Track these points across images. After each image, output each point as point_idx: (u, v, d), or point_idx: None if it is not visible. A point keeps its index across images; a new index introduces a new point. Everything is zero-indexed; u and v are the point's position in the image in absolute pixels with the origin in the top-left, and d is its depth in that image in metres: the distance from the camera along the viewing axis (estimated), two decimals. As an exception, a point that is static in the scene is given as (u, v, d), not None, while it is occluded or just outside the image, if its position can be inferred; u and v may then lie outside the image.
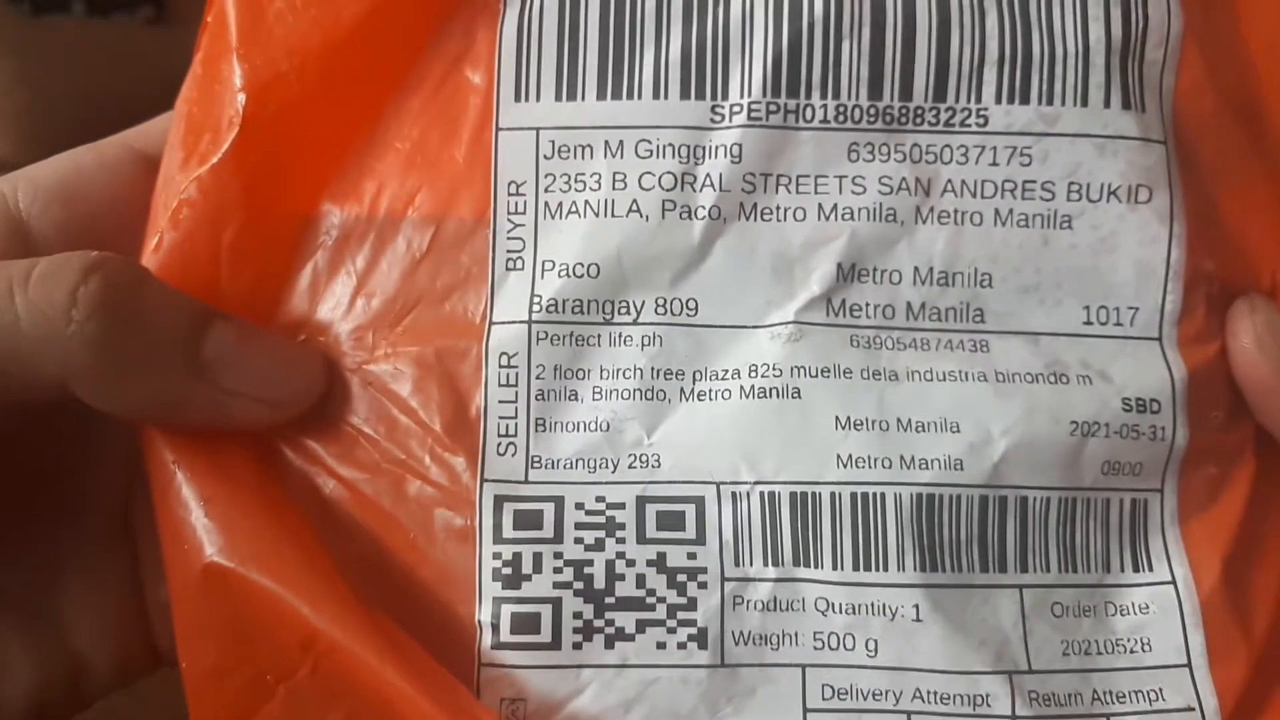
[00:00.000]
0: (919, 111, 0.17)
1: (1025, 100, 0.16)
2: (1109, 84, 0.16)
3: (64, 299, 0.15)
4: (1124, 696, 0.16)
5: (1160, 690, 0.16)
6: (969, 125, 0.17)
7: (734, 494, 0.16)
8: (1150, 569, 0.16)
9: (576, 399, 0.16)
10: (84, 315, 0.15)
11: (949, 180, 0.17)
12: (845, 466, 0.16)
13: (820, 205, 0.17)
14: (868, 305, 0.16)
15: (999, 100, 0.16)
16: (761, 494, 0.16)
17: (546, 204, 0.17)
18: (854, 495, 0.16)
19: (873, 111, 0.16)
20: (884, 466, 0.16)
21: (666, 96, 0.16)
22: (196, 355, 0.16)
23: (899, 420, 0.16)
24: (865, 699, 0.15)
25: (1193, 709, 0.16)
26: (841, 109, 0.16)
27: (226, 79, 0.17)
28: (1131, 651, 0.16)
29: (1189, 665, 0.16)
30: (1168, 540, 0.16)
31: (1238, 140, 0.17)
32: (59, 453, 0.18)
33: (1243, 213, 0.17)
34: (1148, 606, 0.16)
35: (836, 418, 0.16)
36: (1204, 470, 0.17)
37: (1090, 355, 0.16)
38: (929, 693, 0.15)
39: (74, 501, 0.18)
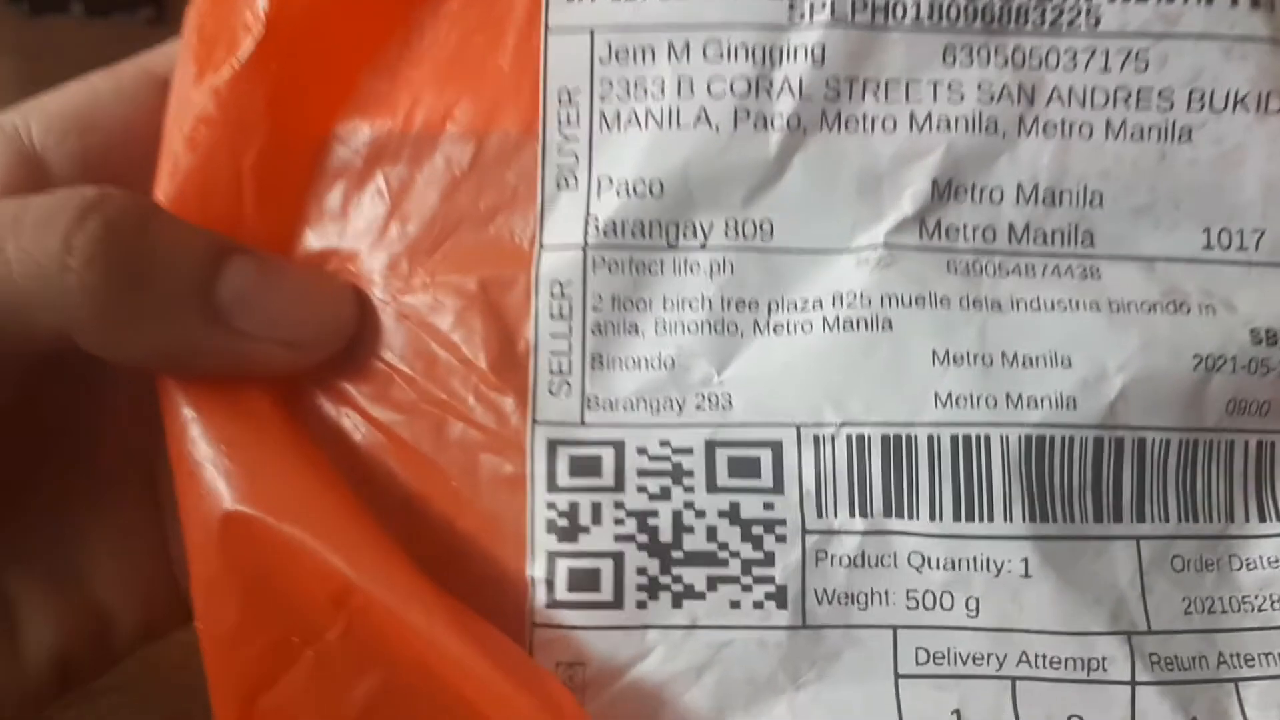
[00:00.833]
0: (1022, 9, 0.15)
1: None
2: None
3: (58, 245, 0.13)
4: (1253, 660, 0.14)
5: None
6: (1078, 26, 0.15)
7: (816, 437, 0.14)
8: (1278, 518, 0.15)
9: (637, 333, 0.15)
10: (81, 262, 0.13)
11: (1055, 87, 0.15)
12: (944, 406, 0.14)
13: (912, 114, 0.15)
14: (966, 226, 0.15)
15: None
16: (848, 437, 0.14)
17: (603, 114, 0.15)
18: (954, 438, 0.14)
19: (971, 10, 0.15)
20: (988, 406, 0.14)
21: None
22: (211, 298, 0.14)
23: (1003, 354, 0.14)
24: (965, 663, 0.14)
25: None
26: (936, 6, 0.15)
27: None
28: (1260, 610, 0.14)
29: None
30: None
31: None
32: (74, 402, 0.17)
33: None
34: (1277, 560, 0.14)
35: (934, 351, 0.14)
36: None
37: (1212, 282, 0.15)
38: (1037, 656, 0.14)
39: (92, 452, 0.17)
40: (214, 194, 0.15)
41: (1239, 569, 0.15)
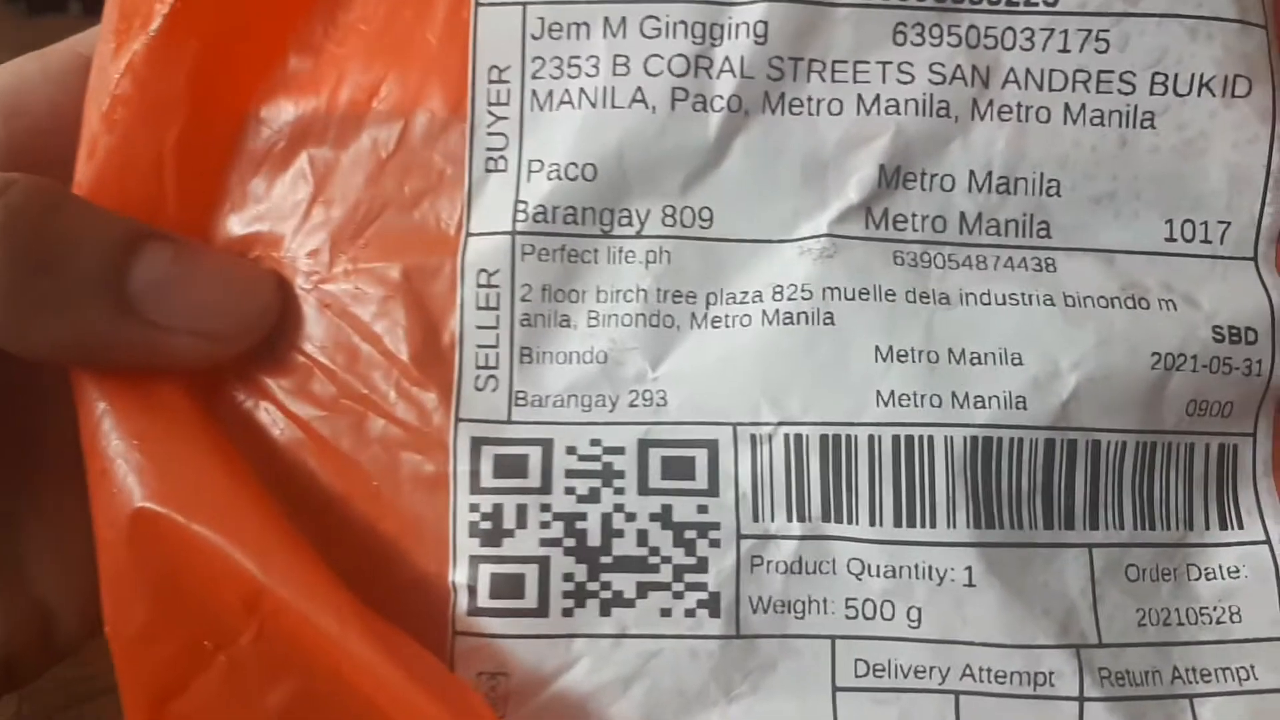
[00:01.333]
0: None
1: None
2: None
3: None
4: (1209, 675, 0.13)
5: (1251, 668, 0.13)
6: (1036, 3, 0.14)
7: (753, 437, 0.14)
8: (1240, 526, 0.14)
9: (569, 325, 0.14)
10: None
11: (1011, 69, 0.14)
12: (886, 405, 0.13)
13: (860, 97, 0.14)
14: (914, 216, 0.14)
15: None
16: (786, 436, 0.13)
17: (534, 92, 0.14)
18: (896, 438, 0.13)
19: None
20: (932, 405, 0.13)
21: None
22: (123, 287, 0.14)
23: (950, 351, 0.14)
24: (906, 676, 0.13)
25: None
26: None
27: None
28: (1218, 622, 0.14)
29: None
30: (1260, 492, 0.14)
31: None
32: (9, 395, 0.16)
33: None
34: (1237, 570, 0.14)
35: (876, 348, 0.14)
36: None
37: (1173, 277, 0.14)
38: (981, 670, 0.13)
39: (31, 446, 0.16)
40: (133, 175, 0.15)
41: (1197, 579, 0.14)
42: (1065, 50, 0.14)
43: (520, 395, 0.14)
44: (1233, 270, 0.14)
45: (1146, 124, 0.14)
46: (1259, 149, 0.14)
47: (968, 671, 0.13)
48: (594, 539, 0.13)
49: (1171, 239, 0.14)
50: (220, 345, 0.14)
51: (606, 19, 0.14)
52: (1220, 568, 0.14)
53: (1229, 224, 0.14)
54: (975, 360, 0.14)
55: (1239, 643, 0.14)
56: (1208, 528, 0.14)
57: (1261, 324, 0.14)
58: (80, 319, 0.13)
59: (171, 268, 0.14)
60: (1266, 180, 0.14)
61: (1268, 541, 0.14)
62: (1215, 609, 0.14)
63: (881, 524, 0.13)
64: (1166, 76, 0.14)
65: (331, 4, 0.15)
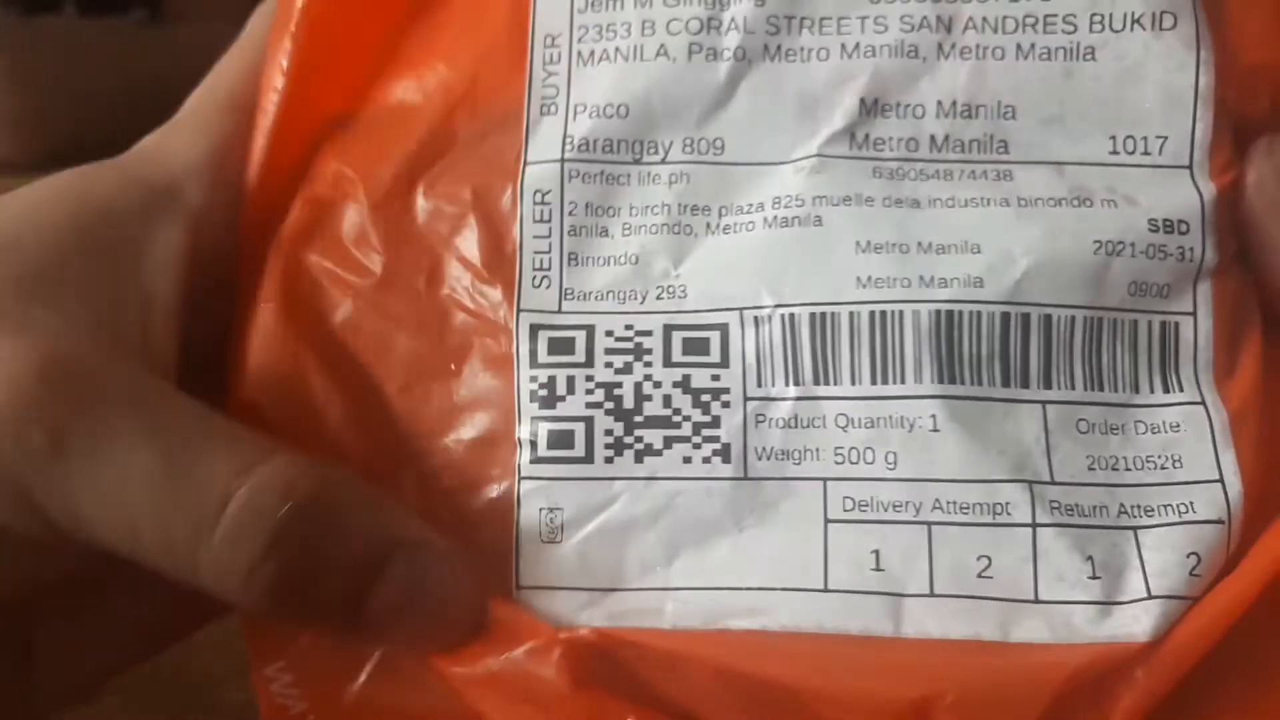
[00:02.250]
0: None
1: None
2: None
3: (241, 576, 0.15)
4: (1152, 510, 0.16)
5: (1191, 504, 0.16)
6: None
7: (756, 318, 0.17)
8: (1180, 389, 0.16)
9: (607, 235, 0.17)
10: (258, 592, 0.15)
11: (970, 17, 0.17)
12: (864, 287, 0.16)
13: (843, 45, 0.17)
14: (891, 138, 0.17)
15: None
16: (782, 316, 0.16)
17: (579, 53, 0.18)
18: (872, 314, 0.16)
19: None
20: (903, 286, 0.16)
21: None
22: (359, 611, 0.15)
23: (919, 243, 0.16)
24: (886, 510, 0.16)
25: (1222, 521, 0.15)
26: None
27: None
28: (1162, 468, 0.16)
29: (1221, 481, 0.16)
30: (1199, 364, 0.16)
31: None
32: None
33: (1261, 44, 0.17)
34: (1178, 425, 0.16)
35: (857, 242, 0.16)
36: (1236, 296, 0.16)
37: (1117, 181, 0.17)
38: (948, 503, 0.16)
39: None
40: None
41: (1143, 433, 0.16)
42: (1014, 0, 0.17)
43: (569, 291, 0.17)
44: (1170, 176, 0.17)
45: (1088, 57, 0.17)
46: (1187, 74, 0.17)
47: (937, 505, 0.16)
48: (629, 402, 0.17)
49: (1115, 152, 0.17)
50: (429, 652, 0.16)
51: None
52: (1164, 423, 0.16)
53: (1166, 138, 0.17)
54: (940, 251, 0.16)
55: (1181, 484, 0.16)
56: (1153, 391, 0.16)
57: (1193, 218, 0.16)
58: (317, 620, 0.16)
59: (405, 592, 0.15)
60: (1195, 99, 0.17)
61: (1203, 403, 0.16)
62: (1159, 457, 0.16)
63: (860, 383, 0.16)
64: (1103, 16, 0.17)
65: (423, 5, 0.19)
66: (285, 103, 0.18)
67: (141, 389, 0.15)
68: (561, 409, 0.17)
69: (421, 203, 0.18)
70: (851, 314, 0.16)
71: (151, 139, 0.19)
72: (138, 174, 0.18)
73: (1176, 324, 0.16)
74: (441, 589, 0.16)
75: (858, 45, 0.17)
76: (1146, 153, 0.17)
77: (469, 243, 0.17)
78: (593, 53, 0.17)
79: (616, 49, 0.17)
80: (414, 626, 0.16)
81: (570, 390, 0.17)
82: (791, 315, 0.16)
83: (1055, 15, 0.17)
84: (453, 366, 0.17)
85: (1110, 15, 0.17)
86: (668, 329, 0.17)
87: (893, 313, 0.16)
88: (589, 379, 0.17)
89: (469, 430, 0.17)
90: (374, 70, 0.19)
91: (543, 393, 0.17)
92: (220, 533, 0.14)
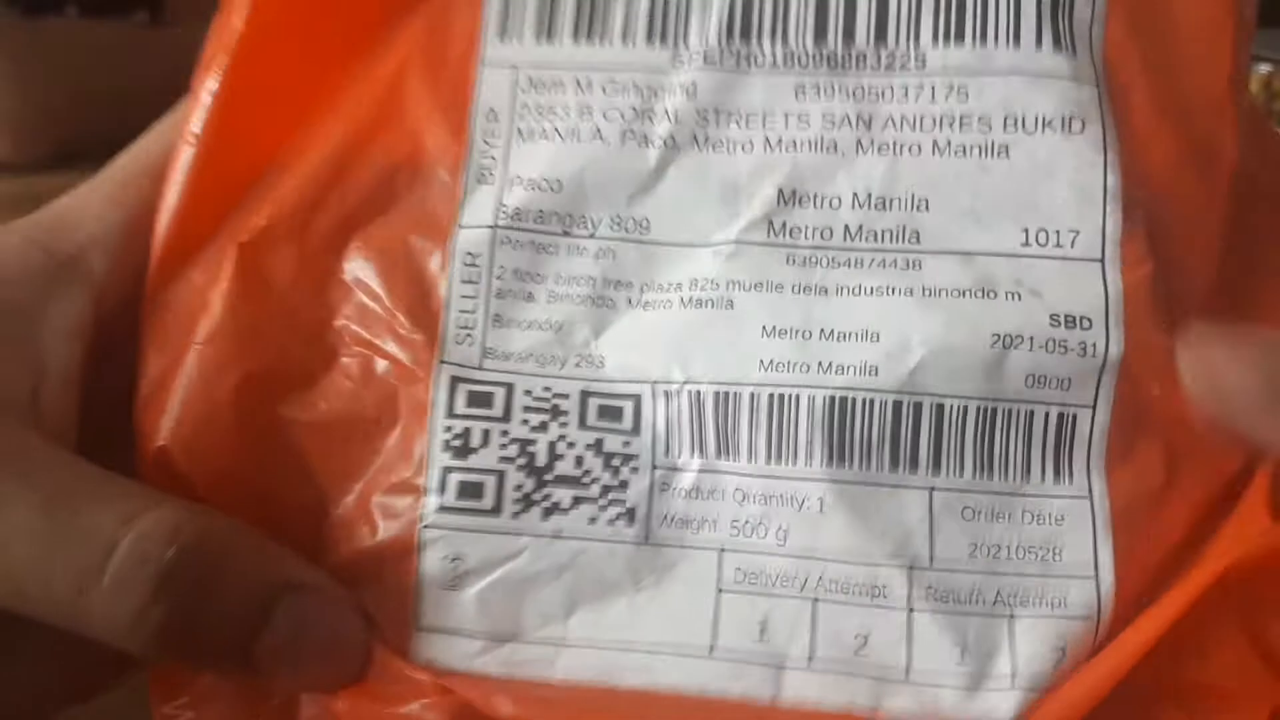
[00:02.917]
0: (862, 56, 0.18)
1: (960, 40, 0.18)
2: (1040, 28, 0.17)
3: (131, 617, 0.15)
4: (1028, 601, 0.16)
5: (1064, 598, 0.16)
6: (909, 66, 0.18)
7: (666, 392, 0.17)
8: (1071, 480, 0.17)
9: (532, 300, 0.18)
10: (148, 634, 0.15)
11: (889, 115, 0.18)
12: (766, 370, 0.17)
13: (767, 138, 0.18)
14: (806, 227, 0.18)
15: (935, 42, 0.18)
16: (689, 392, 0.17)
17: (519, 129, 0.19)
18: (771, 395, 0.17)
19: (819, 56, 0.18)
20: (801, 371, 0.17)
21: (634, 42, 0.18)
22: (249, 650, 0.16)
23: (822, 330, 0.17)
24: (774, 583, 0.17)
25: (1091, 618, 0.16)
26: (790, 53, 0.18)
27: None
28: (1042, 559, 0.16)
29: (1096, 577, 0.16)
30: (1092, 455, 0.17)
31: (1164, 98, 0.18)
32: None
33: (1173, 152, 0.17)
34: (1063, 518, 0.17)
35: (764, 326, 0.17)
36: (1144, 389, 0.17)
37: (1025, 274, 0.17)
38: (831, 581, 0.16)
39: None
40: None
41: (1029, 522, 0.17)
42: (933, 100, 0.18)
43: (490, 350, 0.18)
44: (1079, 269, 0.17)
45: (1002, 154, 0.18)
46: (1096, 172, 0.17)
47: (821, 581, 0.16)
48: (541, 460, 0.17)
49: (1027, 244, 0.17)
50: (317, 691, 0.17)
51: (577, 79, 0.19)
52: (1049, 514, 0.17)
53: (1078, 232, 0.17)
54: (840, 338, 0.17)
55: (1057, 578, 0.16)
56: (1043, 479, 0.17)
57: (1097, 313, 0.17)
58: (208, 663, 0.16)
59: (293, 637, 0.16)
60: (1104, 195, 0.17)
61: (1089, 496, 0.17)
62: (1041, 548, 0.17)
63: (757, 461, 0.17)
64: (1016, 117, 0.18)
65: (356, 59, 0.19)
66: (208, 143, 0.18)
67: (20, 446, 0.16)
68: (474, 460, 0.18)
69: (354, 255, 0.18)
70: (753, 394, 0.17)
71: (65, 200, 0.19)
72: (42, 240, 0.18)
73: (1074, 415, 0.17)
74: (328, 631, 0.16)
75: (780, 139, 0.18)
76: (1059, 245, 0.17)
77: (396, 296, 0.18)
78: (532, 130, 0.19)
79: (555, 128, 0.19)
80: (303, 668, 0.16)
81: (485, 443, 0.18)
82: (698, 392, 0.17)
83: (971, 115, 0.18)
84: (369, 412, 0.18)
85: (1023, 117, 0.18)
86: (584, 394, 0.18)
87: (790, 395, 0.17)
88: (504, 434, 0.18)
89: (380, 475, 0.18)
90: (305, 118, 0.19)
91: (456, 443, 0.18)
92: (107, 580, 0.15)
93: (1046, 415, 0.17)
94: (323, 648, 0.16)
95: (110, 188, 0.19)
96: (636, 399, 0.18)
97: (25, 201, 0.20)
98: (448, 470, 0.18)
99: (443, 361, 0.18)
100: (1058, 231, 0.17)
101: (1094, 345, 0.17)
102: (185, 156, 0.18)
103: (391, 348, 0.18)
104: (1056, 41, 0.17)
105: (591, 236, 0.18)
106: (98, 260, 0.18)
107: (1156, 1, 0.18)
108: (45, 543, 0.15)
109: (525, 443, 0.18)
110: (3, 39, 0.56)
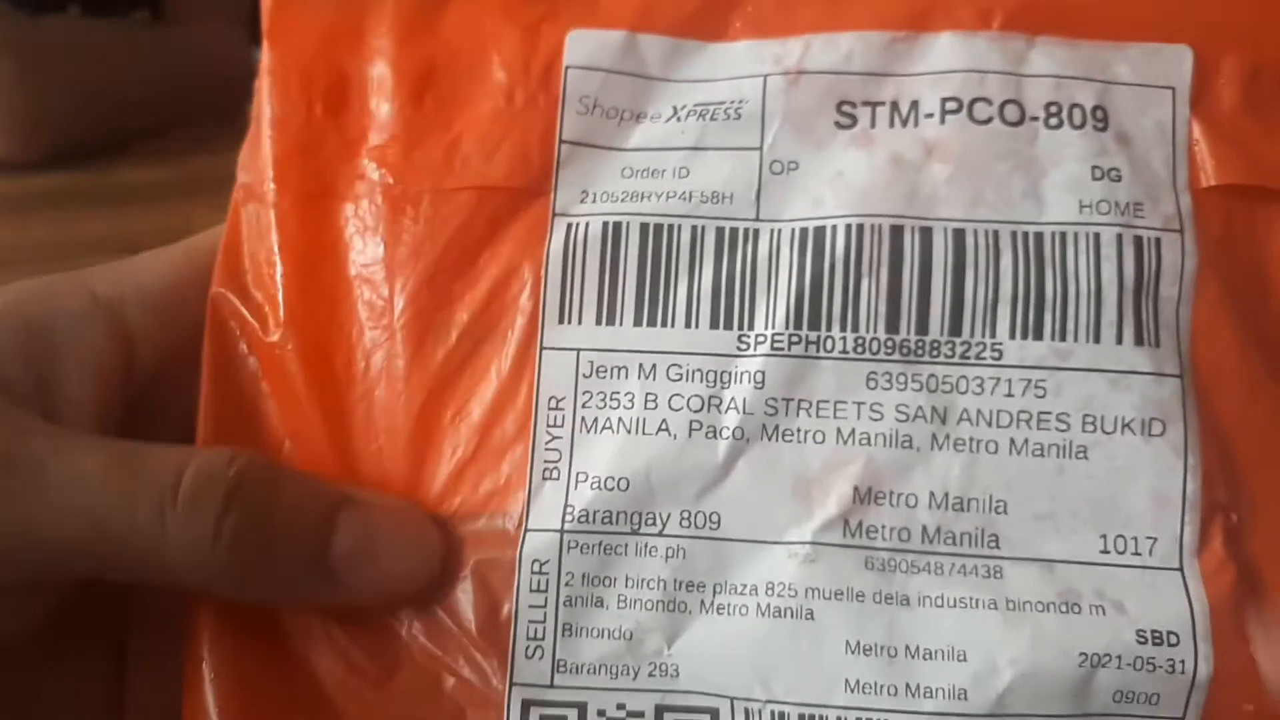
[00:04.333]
0: (936, 345, 0.17)
1: (1039, 336, 0.17)
2: (1121, 321, 0.17)
3: (209, 530, 0.16)
4: None
5: None
6: (984, 358, 0.17)
7: (747, 710, 0.17)
8: None
9: (602, 606, 0.17)
10: (226, 545, 0.16)
11: (965, 409, 0.17)
12: (853, 691, 0.16)
13: (839, 430, 0.17)
14: (884, 527, 0.17)
15: (1013, 336, 0.17)
16: (773, 712, 0.17)
17: (583, 419, 0.18)
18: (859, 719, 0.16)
19: (890, 344, 0.17)
20: (889, 694, 0.16)
21: (697, 325, 0.18)
22: (324, 562, 0.17)
23: (907, 647, 0.17)
24: None
25: None
26: (860, 341, 0.18)
27: None
28: None
29: None
30: None
31: (1257, 371, 0.17)
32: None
33: (1259, 444, 0.17)
34: None
35: (847, 642, 0.17)
36: (1236, 707, 0.17)
37: (1106, 584, 0.17)
38: None
39: (71, 609, 0.18)
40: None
41: None
42: (1010, 395, 0.17)
43: (561, 663, 0.17)
44: (1160, 579, 0.17)
45: (1080, 455, 0.17)
46: (1175, 478, 0.17)
47: None
48: None
49: (1105, 551, 0.17)
50: (400, 596, 0.18)
51: (640, 364, 0.18)
52: None
53: (1156, 539, 0.17)
54: (927, 656, 0.17)
55: None
56: None
57: (1183, 628, 0.17)
58: (291, 587, 0.17)
59: (363, 538, 0.17)
60: (1183, 504, 0.17)
61: None
62: None
63: None
64: (1095, 418, 0.17)
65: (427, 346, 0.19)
66: None
67: (66, 430, 0.17)
68: (549, 788, 0.17)
69: None
70: (840, 719, 0.16)
71: (137, 255, 0.20)
72: (90, 282, 0.19)
73: None
74: (397, 531, 0.17)
75: (853, 431, 0.17)
76: (1137, 553, 0.17)
77: (464, 608, 0.18)
78: (596, 420, 0.18)
79: (620, 420, 0.18)
80: (380, 569, 0.17)
81: (559, 768, 0.17)
82: (782, 713, 0.17)
83: (1049, 413, 0.17)
84: None
85: (1102, 418, 0.17)
86: (660, 710, 0.17)
87: None
88: (579, 758, 0.17)
89: None
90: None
91: (531, 770, 0.17)
92: (181, 499, 0.16)
93: None
94: (395, 546, 0.17)
95: (175, 250, 0.20)
96: (714, 713, 0.17)
97: (25, 200, 0.21)
98: (521, 802, 0.17)
99: (514, 683, 0.17)
100: (1135, 539, 0.17)
101: (1182, 663, 0.16)
102: None
103: (463, 666, 0.17)
104: (1139, 336, 0.17)
105: (661, 534, 0.18)
106: (133, 310, 0.19)
107: (1251, 270, 0.18)
108: (119, 480, 0.16)
109: (601, 766, 0.17)
110: (7, 38, 0.56)
